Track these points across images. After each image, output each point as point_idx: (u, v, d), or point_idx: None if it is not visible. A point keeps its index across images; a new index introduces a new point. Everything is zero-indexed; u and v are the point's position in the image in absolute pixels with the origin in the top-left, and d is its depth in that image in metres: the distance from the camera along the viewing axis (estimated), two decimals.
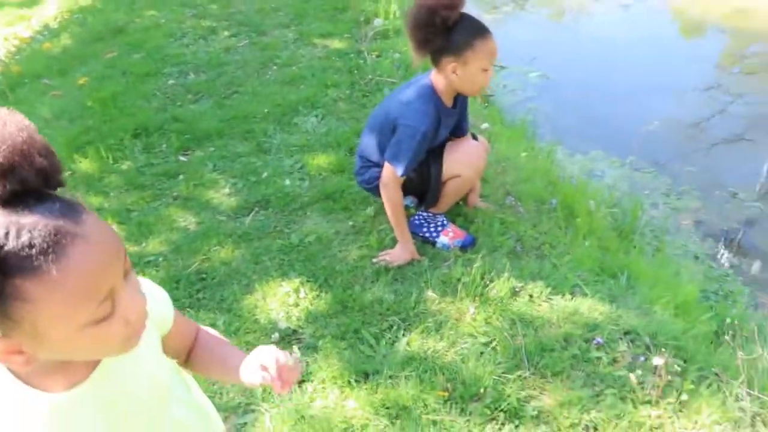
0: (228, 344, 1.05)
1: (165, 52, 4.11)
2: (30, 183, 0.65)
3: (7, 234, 0.63)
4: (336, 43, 4.03)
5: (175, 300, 2.16)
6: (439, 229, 2.34)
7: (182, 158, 3.06)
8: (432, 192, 2.28)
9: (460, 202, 2.49)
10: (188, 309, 2.17)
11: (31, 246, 0.63)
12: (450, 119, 2.20)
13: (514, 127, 3.41)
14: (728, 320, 2.18)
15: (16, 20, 7.34)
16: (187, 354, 1.02)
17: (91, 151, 3.09)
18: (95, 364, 0.79)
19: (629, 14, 5.52)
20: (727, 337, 2.03)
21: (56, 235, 0.64)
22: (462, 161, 2.24)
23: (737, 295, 2.49)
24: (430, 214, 2.37)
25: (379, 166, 2.23)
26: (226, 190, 2.79)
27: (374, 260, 2.28)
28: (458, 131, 2.31)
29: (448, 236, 2.33)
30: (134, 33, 4.52)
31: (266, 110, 3.34)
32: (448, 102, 2.15)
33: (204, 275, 2.32)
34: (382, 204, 2.48)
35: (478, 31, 2.01)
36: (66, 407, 0.77)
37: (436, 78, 2.10)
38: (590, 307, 2.08)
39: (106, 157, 3.05)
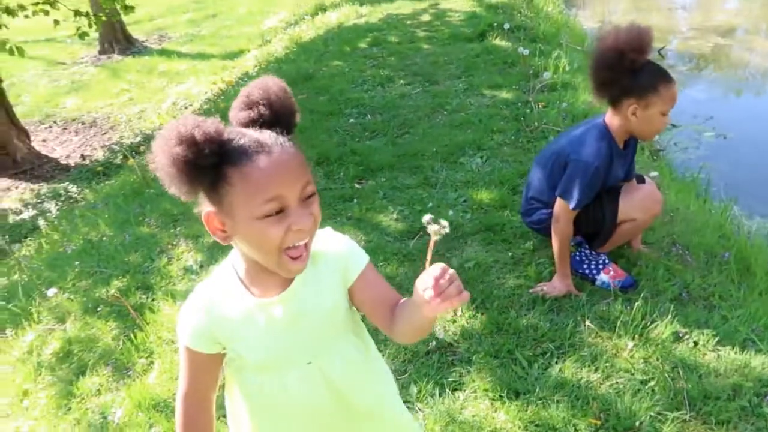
0: None
1: (347, 96, 4.59)
2: (265, 117, 0.98)
3: (237, 137, 0.95)
4: (504, 94, 4.24)
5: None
6: (600, 267, 2.36)
7: (357, 185, 3.39)
8: (605, 233, 2.31)
9: (624, 245, 2.49)
10: None
11: (243, 147, 0.94)
12: (622, 160, 2.25)
13: (684, 181, 3.31)
14: None
15: (220, 69, 8.58)
16: (392, 319, 1.09)
17: None
18: (288, 284, 1.05)
19: None
20: None
21: (258, 145, 0.94)
22: (639, 206, 2.26)
23: None
24: (593, 253, 2.40)
25: (548, 206, 2.32)
26: (394, 216, 3.04)
27: (531, 290, 2.35)
28: (627, 175, 2.34)
29: (609, 275, 2.34)
30: (321, 79, 5.10)
31: (434, 149, 3.60)
32: (620, 143, 2.21)
33: None
34: (543, 239, 2.57)
35: (663, 76, 2.06)
36: (264, 308, 1.06)
37: (612, 119, 2.18)
38: (764, 362, 1.96)
39: None
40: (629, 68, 2.01)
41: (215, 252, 2.97)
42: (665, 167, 3.45)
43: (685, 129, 4.22)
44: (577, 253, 2.43)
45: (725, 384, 1.89)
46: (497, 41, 5.17)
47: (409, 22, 6.26)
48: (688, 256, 2.50)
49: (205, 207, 0.98)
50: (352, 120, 4.19)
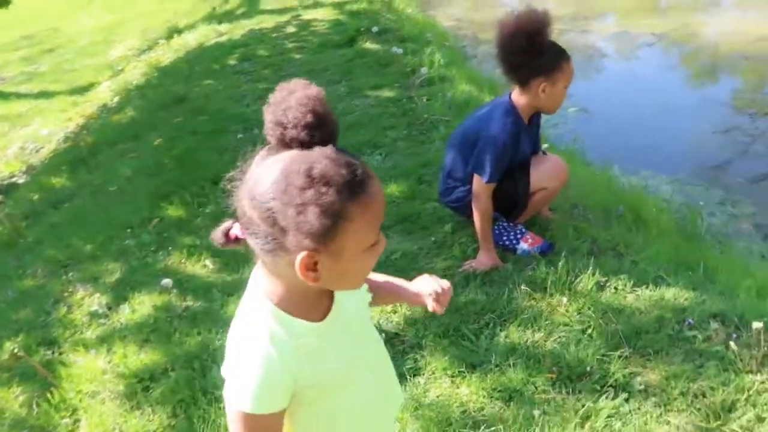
0: (391, 278, 1.25)
1: (228, 113, 4.45)
2: (329, 135, 0.86)
3: (352, 169, 0.82)
4: (386, 93, 4.34)
5: None
6: (519, 236, 2.50)
7: None
8: (520, 205, 2.45)
9: (536, 214, 2.66)
10: None
11: (361, 179, 0.83)
12: (529, 136, 2.40)
13: (565, 152, 3.60)
14: None
15: (70, 106, 7.92)
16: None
17: (176, 199, 3.35)
18: (331, 300, 0.98)
19: (654, 50, 5.82)
20: None
21: (366, 173, 0.84)
22: (548, 174, 2.43)
23: None
24: (510, 224, 2.53)
25: (464, 183, 2.42)
26: None
27: (461, 268, 2.43)
28: (534, 148, 2.50)
29: (528, 243, 2.48)
30: (195, 100, 4.90)
31: None
32: (526, 119, 2.36)
33: None
34: (460, 221, 2.67)
35: (564, 53, 2.25)
36: (325, 331, 0.97)
37: (518, 97, 2.32)
38: (675, 294, 2.19)
39: (191, 202, 3.30)
40: (537, 50, 2.15)
41: (121, 290, 2.74)
42: (545, 141, 3.73)
43: None
44: (495, 227, 2.55)
45: (650, 319, 2.09)
46: (368, 45, 5.29)
47: (274, 35, 6.21)
48: (590, 215, 2.73)
49: (295, 251, 0.83)
50: (240, 135, 4.06)
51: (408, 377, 1.99)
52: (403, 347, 2.14)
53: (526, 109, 2.32)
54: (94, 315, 2.65)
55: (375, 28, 5.42)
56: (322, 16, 6.56)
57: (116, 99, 6.57)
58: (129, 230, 3.18)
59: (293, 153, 0.84)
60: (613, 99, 4.89)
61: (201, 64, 5.90)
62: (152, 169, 3.84)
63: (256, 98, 4.68)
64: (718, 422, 1.72)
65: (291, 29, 6.32)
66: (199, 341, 2.32)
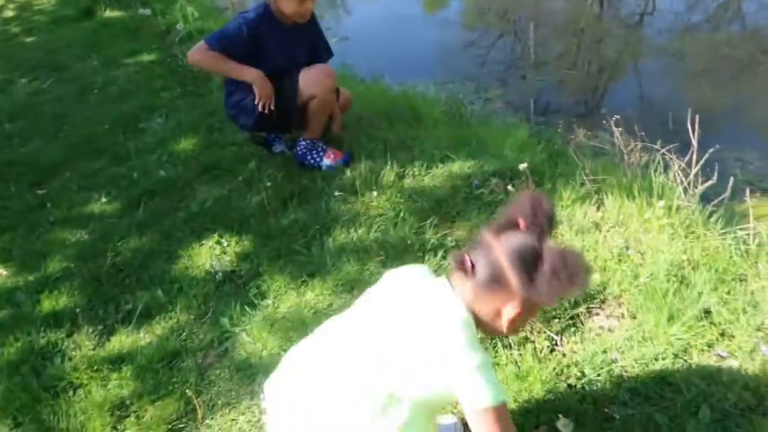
0: None
1: None
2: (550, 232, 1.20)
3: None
4: (146, 57, 4.11)
5: (104, 293, 2.24)
6: (321, 154, 2.66)
7: (39, 191, 2.98)
8: (293, 113, 2.56)
9: (330, 132, 2.82)
10: (122, 295, 2.23)
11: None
12: (285, 41, 2.52)
13: (339, 75, 3.80)
14: (555, 147, 2.82)
15: None
16: None
17: None
18: None
19: None
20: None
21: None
22: (313, 82, 2.52)
23: (553, 134, 3.17)
24: (310, 142, 2.67)
25: (241, 89, 2.53)
26: (104, 200, 2.81)
27: (258, 107, 2.48)
28: (316, 59, 2.64)
29: (330, 158, 2.65)
30: None
31: (106, 127, 3.36)
32: (287, 23, 2.51)
33: (122, 267, 2.37)
34: (263, 155, 2.75)
35: None
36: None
37: (278, 4, 2.48)
38: (460, 166, 2.55)
39: None
40: None
41: None
42: None
43: None
44: (298, 148, 2.68)
45: (446, 189, 2.42)
46: (108, 13, 4.88)
47: None
48: (375, 122, 2.98)
49: (512, 298, 1.15)
50: None
51: (257, 302, 2.07)
52: (242, 280, 2.20)
53: (286, 17, 2.47)
54: None
55: None
56: None
57: None
58: None
59: (562, 247, 1.13)
60: (367, 27, 5.22)
61: None
62: None
63: None
64: None
65: (9, 13, 5.53)
66: (20, 347, 2.11)
